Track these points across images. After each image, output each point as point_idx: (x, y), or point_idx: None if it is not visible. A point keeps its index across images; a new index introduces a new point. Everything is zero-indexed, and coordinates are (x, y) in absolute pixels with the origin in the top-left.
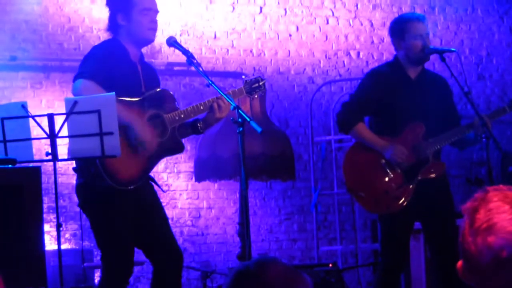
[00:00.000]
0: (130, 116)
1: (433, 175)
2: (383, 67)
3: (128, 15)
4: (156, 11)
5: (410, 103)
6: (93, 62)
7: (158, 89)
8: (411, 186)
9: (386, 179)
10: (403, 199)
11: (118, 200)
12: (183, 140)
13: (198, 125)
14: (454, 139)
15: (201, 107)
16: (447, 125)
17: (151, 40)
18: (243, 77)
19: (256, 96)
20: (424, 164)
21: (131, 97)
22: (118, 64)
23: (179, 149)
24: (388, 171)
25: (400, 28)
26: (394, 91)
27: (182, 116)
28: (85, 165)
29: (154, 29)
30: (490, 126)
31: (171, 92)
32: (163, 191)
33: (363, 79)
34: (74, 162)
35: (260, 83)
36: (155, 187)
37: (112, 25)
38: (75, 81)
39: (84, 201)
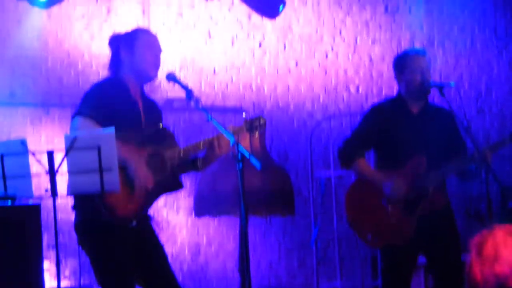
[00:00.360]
0: (130, 155)
1: (433, 208)
2: (385, 103)
3: (132, 49)
4: (160, 49)
5: (412, 137)
6: (92, 100)
7: (157, 127)
8: (411, 220)
9: (386, 213)
10: (404, 232)
11: (117, 237)
12: (182, 176)
13: (198, 162)
14: (453, 172)
15: (201, 145)
16: (451, 158)
17: (153, 77)
18: (244, 114)
19: (256, 134)
20: (424, 197)
21: (131, 135)
22: (118, 102)
23: (177, 187)
24: (388, 205)
25: (400, 63)
26: (396, 125)
27: (182, 154)
28: (83, 202)
29: (156, 65)
30: (490, 159)
31: (170, 131)
32: (160, 228)
33: (365, 115)
34: (73, 199)
35: (261, 122)
36: (153, 224)
37: (115, 62)
38: (73, 119)
39: (84, 238)
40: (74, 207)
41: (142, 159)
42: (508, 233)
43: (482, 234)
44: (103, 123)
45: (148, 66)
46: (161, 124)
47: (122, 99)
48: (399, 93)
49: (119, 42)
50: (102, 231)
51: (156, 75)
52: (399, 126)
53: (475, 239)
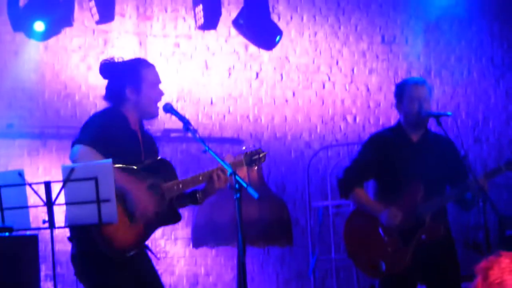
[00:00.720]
0: (130, 184)
1: (430, 237)
2: (385, 131)
3: (138, 89)
4: (160, 81)
5: (411, 166)
6: (93, 129)
7: (157, 158)
8: (409, 249)
9: (383, 243)
10: (400, 262)
11: (114, 268)
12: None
13: (197, 195)
14: (450, 201)
15: (200, 178)
16: (454, 186)
17: (156, 115)
18: (244, 147)
19: (256, 167)
20: (421, 226)
21: (131, 165)
22: (118, 132)
23: (176, 219)
24: (385, 235)
25: (399, 92)
26: (395, 154)
27: (181, 186)
28: (80, 234)
29: (160, 101)
30: (487, 187)
31: (169, 162)
32: (157, 258)
33: (365, 144)
34: (69, 231)
35: (261, 155)
36: (150, 254)
37: (117, 96)
38: (73, 146)
39: (80, 271)
40: (70, 239)
41: (141, 188)
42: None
43: (489, 260)
44: (104, 153)
45: (153, 105)
46: (159, 157)
47: (122, 130)
48: (399, 121)
49: (124, 78)
50: (99, 263)
51: (158, 114)
52: (399, 155)
53: (481, 264)
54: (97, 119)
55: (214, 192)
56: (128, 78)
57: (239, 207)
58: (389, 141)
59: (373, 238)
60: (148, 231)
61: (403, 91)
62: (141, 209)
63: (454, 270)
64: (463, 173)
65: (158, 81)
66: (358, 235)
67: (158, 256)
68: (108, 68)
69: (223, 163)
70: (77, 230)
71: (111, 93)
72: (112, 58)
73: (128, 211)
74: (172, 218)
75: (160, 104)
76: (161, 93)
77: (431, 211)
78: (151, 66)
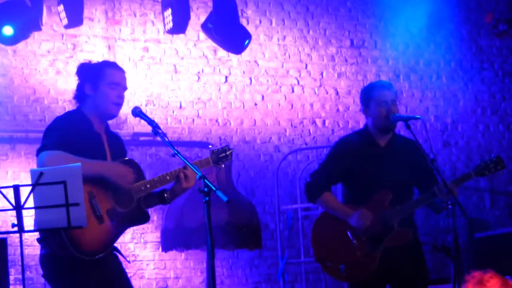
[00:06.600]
0: (101, 165)
1: (398, 243)
2: (352, 136)
3: (96, 86)
4: (125, 88)
5: (378, 171)
6: (56, 133)
7: (124, 159)
8: (377, 254)
9: (352, 247)
10: (369, 267)
11: (83, 271)
12: (149, 210)
13: (165, 195)
14: (419, 206)
15: (167, 177)
16: (423, 189)
17: (114, 115)
18: (210, 146)
19: (223, 166)
20: (389, 232)
21: None
22: (81, 135)
23: (144, 219)
24: (354, 239)
25: (366, 96)
26: (362, 159)
27: (148, 186)
28: (49, 236)
29: (119, 104)
30: (456, 192)
31: (136, 162)
32: (128, 261)
33: (332, 148)
34: (38, 233)
35: (227, 153)
36: (120, 257)
37: (79, 94)
38: (38, 154)
39: (49, 272)
40: (39, 240)
41: (114, 164)
42: (503, 284)
43: (480, 279)
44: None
45: (109, 105)
46: (126, 158)
47: (85, 132)
48: (366, 125)
49: (85, 76)
50: (67, 264)
51: (117, 114)
52: (366, 160)
53: (473, 274)
54: (59, 122)
55: (182, 192)
56: (89, 75)
57: (208, 210)
58: (356, 146)
59: (342, 242)
60: (117, 231)
61: (370, 96)
62: (124, 181)
63: (421, 274)
64: (430, 177)
65: (120, 84)
66: (326, 239)
67: (128, 259)
68: (79, 69)
69: (192, 166)
70: (46, 232)
71: (76, 92)
72: (90, 61)
73: (96, 213)
74: (140, 218)
75: (129, 108)
76: (120, 97)
77: (400, 217)
78: (117, 69)
